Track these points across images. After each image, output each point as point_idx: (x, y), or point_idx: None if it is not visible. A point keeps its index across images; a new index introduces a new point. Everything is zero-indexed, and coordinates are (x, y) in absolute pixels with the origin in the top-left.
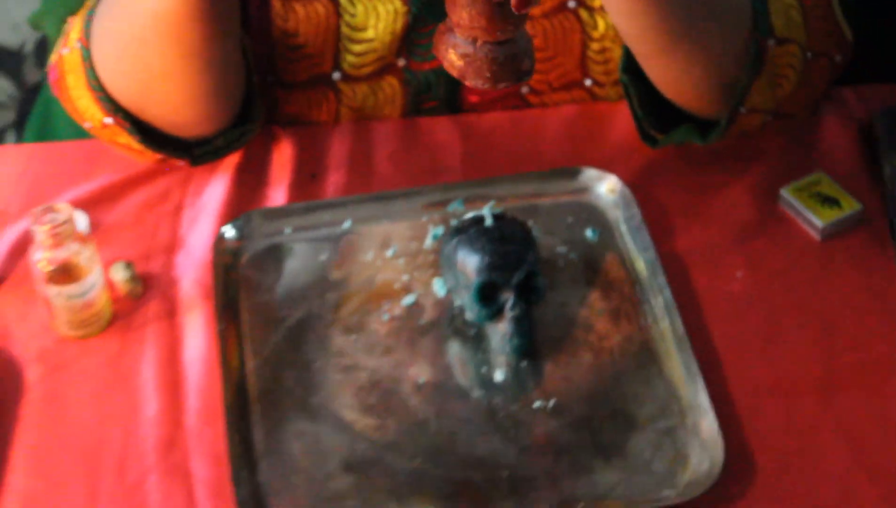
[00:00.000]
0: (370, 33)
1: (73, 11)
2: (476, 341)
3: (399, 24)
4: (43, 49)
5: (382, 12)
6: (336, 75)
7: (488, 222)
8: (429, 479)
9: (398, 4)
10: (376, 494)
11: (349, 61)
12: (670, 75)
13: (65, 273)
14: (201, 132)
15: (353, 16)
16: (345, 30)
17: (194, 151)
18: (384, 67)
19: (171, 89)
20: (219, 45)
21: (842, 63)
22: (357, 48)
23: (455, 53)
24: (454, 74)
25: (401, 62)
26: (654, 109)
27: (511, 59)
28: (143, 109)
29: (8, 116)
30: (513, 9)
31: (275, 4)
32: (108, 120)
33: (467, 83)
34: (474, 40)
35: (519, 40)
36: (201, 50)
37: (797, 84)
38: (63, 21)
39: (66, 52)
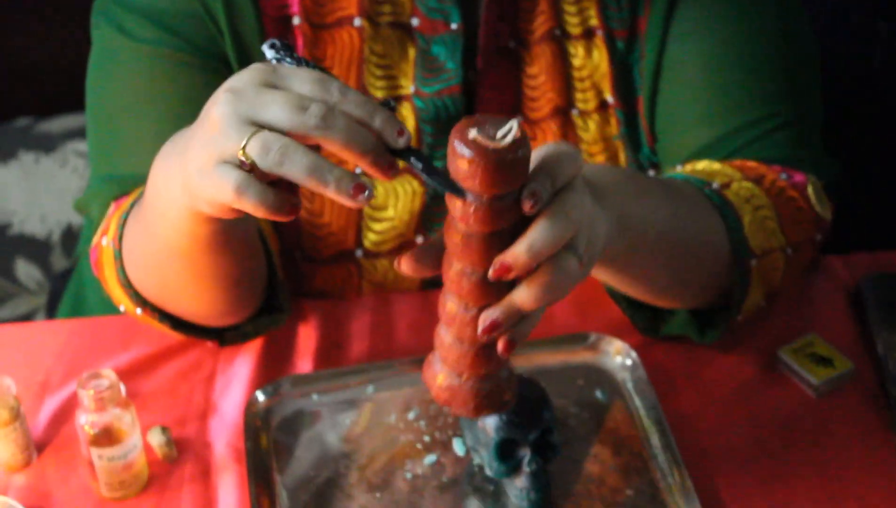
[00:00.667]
0: (390, 212)
1: (116, 196)
2: (495, 496)
3: (417, 204)
4: (69, 238)
5: (401, 193)
6: (359, 253)
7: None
8: None
9: (416, 185)
10: None
11: (371, 239)
12: (659, 299)
13: (107, 436)
14: (227, 323)
15: (374, 197)
16: (367, 210)
17: (225, 335)
18: (403, 244)
19: (190, 302)
20: (235, 267)
21: (823, 238)
22: (378, 226)
23: (442, 384)
24: (439, 402)
25: (419, 239)
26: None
27: (493, 393)
28: (170, 308)
29: (37, 302)
30: (499, 353)
31: (301, 189)
32: (139, 311)
33: (452, 413)
34: (460, 374)
35: (501, 374)
36: (215, 273)
37: (784, 276)
38: (107, 205)
39: (104, 243)
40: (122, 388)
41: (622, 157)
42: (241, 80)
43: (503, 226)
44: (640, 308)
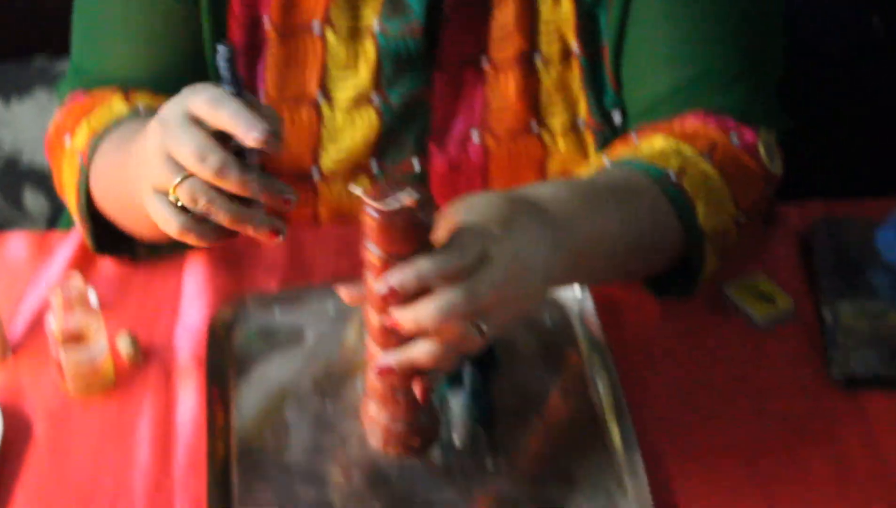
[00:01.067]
0: (347, 142)
1: (81, 87)
2: (440, 409)
3: (373, 134)
4: None
5: (358, 121)
6: (315, 176)
7: None
8: None
9: (372, 116)
10: None
11: (327, 166)
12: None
13: (75, 338)
14: None
15: (332, 123)
16: (324, 134)
17: (138, 251)
18: (357, 168)
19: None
20: None
21: (774, 190)
22: (334, 154)
23: (388, 428)
24: (374, 441)
25: (374, 166)
26: None
27: (427, 428)
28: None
29: (41, 229)
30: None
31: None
32: (76, 218)
33: (389, 451)
34: (396, 420)
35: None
36: None
37: (740, 243)
38: (73, 88)
39: (67, 145)
40: (93, 296)
41: (582, 104)
42: (170, 112)
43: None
44: None
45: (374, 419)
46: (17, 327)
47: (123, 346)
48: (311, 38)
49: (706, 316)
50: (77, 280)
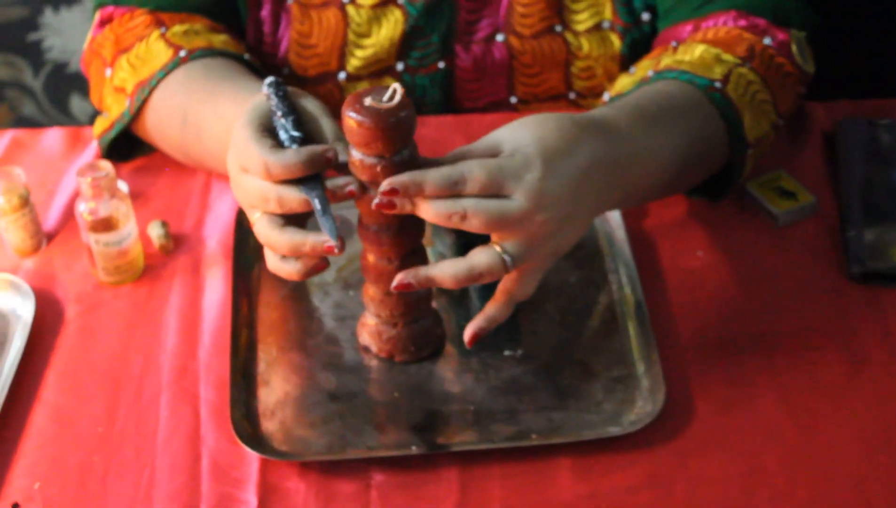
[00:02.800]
0: (372, 39)
1: None
2: (459, 300)
3: (398, 32)
4: None
5: (384, 21)
6: (341, 76)
7: None
8: (404, 409)
9: (398, 15)
10: (356, 420)
11: (353, 64)
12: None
13: (104, 223)
14: None
15: (358, 24)
16: (350, 36)
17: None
18: (383, 70)
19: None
20: None
21: (805, 90)
22: (360, 53)
23: (380, 338)
24: (383, 355)
25: (399, 65)
26: None
27: (427, 332)
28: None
29: None
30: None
31: (293, 10)
32: (100, 137)
33: (397, 359)
34: (395, 324)
35: (430, 314)
36: None
37: (775, 143)
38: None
39: (108, 75)
40: (123, 184)
41: (608, 5)
42: (230, 164)
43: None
44: None
45: (369, 328)
46: (52, 217)
47: (155, 233)
48: None
49: (727, 212)
50: (107, 166)
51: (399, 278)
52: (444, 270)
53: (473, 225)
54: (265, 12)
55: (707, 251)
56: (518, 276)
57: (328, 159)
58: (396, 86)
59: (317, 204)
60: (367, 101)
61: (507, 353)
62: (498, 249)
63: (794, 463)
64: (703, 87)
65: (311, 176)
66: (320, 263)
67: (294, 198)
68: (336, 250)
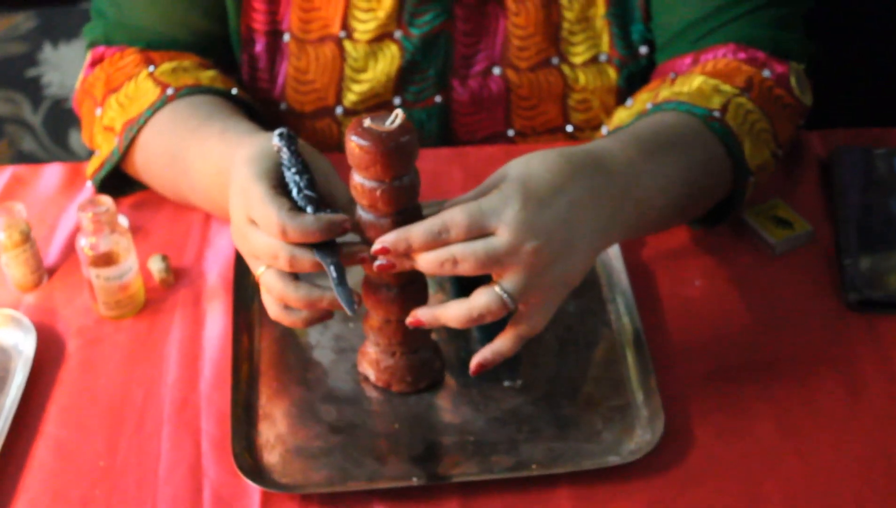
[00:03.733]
0: (369, 74)
1: (101, 35)
2: (459, 331)
3: (394, 67)
4: None
5: (380, 56)
6: (338, 110)
7: None
8: (404, 441)
9: (394, 50)
10: (357, 451)
11: (350, 99)
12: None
13: (105, 258)
14: None
15: (355, 59)
16: (347, 71)
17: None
18: (380, 105)
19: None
20: None
21: (803, 122)
22: (357, 88)
23: (378, 367)
24: (381, 384)
25: (396, 100)
26: None
27: (425, 364)
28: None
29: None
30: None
31: (291, 46)
32: (96, 177)
33: (394, 389)
34: (393, 353)
35: (429, 346)
36: None
37: (775, 169)
38: (93, 44)
39: (98, 114)
40: (123, 218)
41: (605, 36)
42: (234, 212)
43: (404, 205)
44: None
45: (370, 358)
46: (53, 252)
47: (155, 267)
48: None
49: (724, 241)
50: (107, 201)
51: (414, 314)
52: (449, 312)
53: (466, 269)
54: (259, 48)
55: (704, 280)
56: (524, 311)
57: (345, 230)
58: (399, 111)
59: (333, 272)
60: (369, 123)
61: (506, 384)
62: (497, 288)
63: (793, 491)
64: (702, 116)
65: (327, 247)
66: (326, 314)
67: (307, 261)
68: (351, 314)
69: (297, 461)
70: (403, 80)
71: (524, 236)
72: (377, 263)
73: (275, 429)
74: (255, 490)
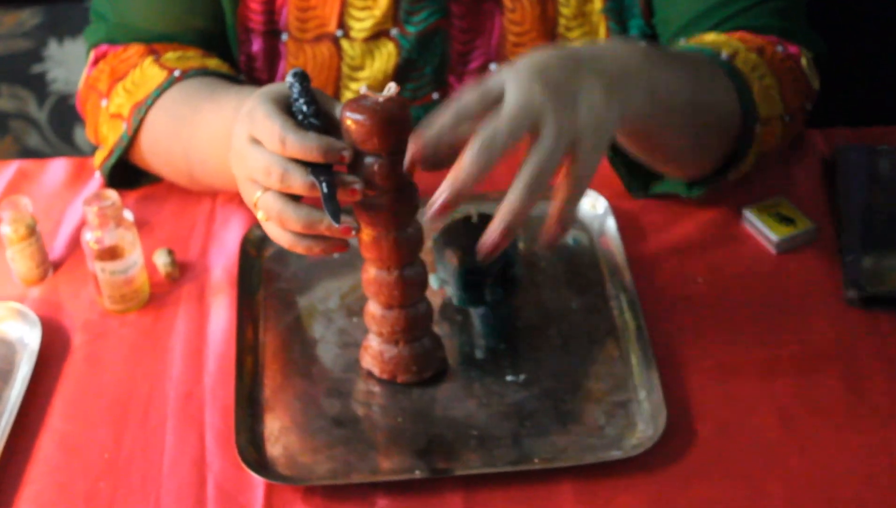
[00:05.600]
0: (366, 73)
1: (103, 37)
2: (462, 325)
3: (391, 65)
4: None
5: (377, 54)
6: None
7: (474, 219)
8: (408, 434)
9: (391, 47)
10: (360, 445)
11: (348, 97)
12: (676, 169)
13: (110, 252)
14: None
15: (352, 57)
16: (345, 69)
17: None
18: None
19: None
20: None
21: (811, 108)
22: (355, 85)
23: (382, 359)
24: (385, 377)
25: None
26: (635, 168)
27: (428, 353)
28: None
29: None
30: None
31: (289, 45)
32: (104, 166)
33: (399, 380)
34: (396, 342)
35: (431, 338)
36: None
37: (779, 143)
38: (94, 45)
39: (104, 105)
40: (128, 212)
41: (602, 31)
42: (236, 138)
43: (405, 181)
44: (636, 173)
45: (372, 351)
46: (58, 246)
47: (161, 261)
48: None
49: (726, 238)
50: (112, 196)
51: (484, 239)
52: (510, 198)
53: (504, 140)
54: (256, 48)
55: (707, 277)
56: (575, 157)
57: (342, 158)
58: (392, 85)
59: (324, 188)
60: (364, 97)
61: (509, 378)
62: (536, 144)
63: (795, 486)
64: (710, 55)
65: (321, 165)
66: (341, 244)
67: (299, 176)
68: (353, 233)
69: (301, 454)
70: (400, 77)
71: (530, 77)
72: (439, 202)
73: (279, 422)
74: (259, 482)
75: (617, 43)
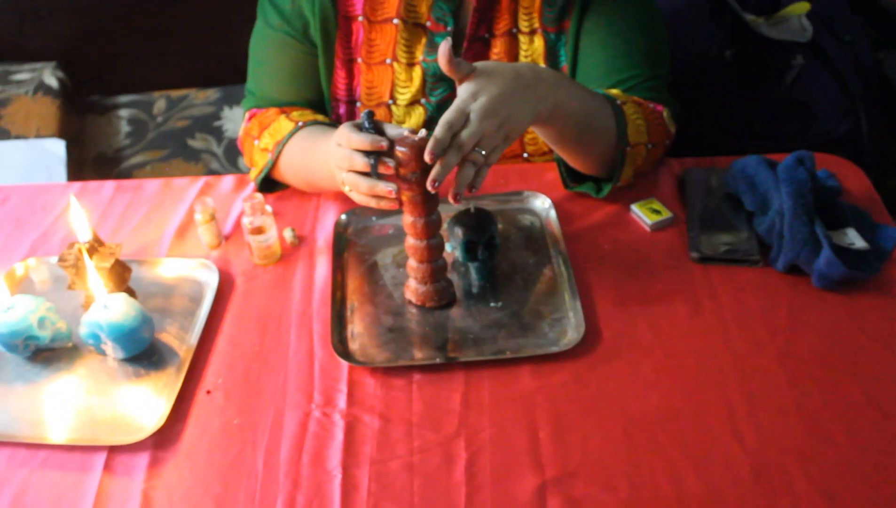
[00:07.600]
0: (406, 124)
1: (251, 105)
2: (464, 274)
3: (421, 120)
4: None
5: (413, 114)
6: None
7: (472, 211)
8: (432, 338)
9: (421, 110)
10: (403, 343)
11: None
12: (576, 162)
13: (258, 230)
14: None
15: (397, 117)
16: (394, 122)
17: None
18: None
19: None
20: None
21: (669, 144)
22: None
23: (417, 293)
24: (417, 303)
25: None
26: (571, 172)
27: (444, 290)
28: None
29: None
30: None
31: (360, 109)
32: (257, 180)
33: (427, 306)
34: (425, 282)
35: (446, 279)
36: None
37: (645, 162)
38: (248, 109)
39: (257, 144)
40: (269, 207)
41: None
42: (330, 146)
43: (424, 188)
44: (570, 174)
45: (426, 291)
46: (228, 226)
47: (288, 235)
48: (385, 67)
49: (621, 221)
50: (259, 196)
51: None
52: (435, 135)
53: (455, 116)
54: (342, 110)
55: (611, 245)
56: (492, 134)
57: (381, 148)
58: (423, 130)
59: (371, 161)
60: (406, 137)
61: (492, 305)
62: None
63: (659, 369)
64: (607, 96)
65: (373, 153)
66: (393, 203)
67: (359, 159)
68: (392, 194)
69: (369, 347)
70: (427, 126)
71: (481, 84)
72: (431, 178)
73: (357, 329)
74: (344, 365)
75: (545, 68)
